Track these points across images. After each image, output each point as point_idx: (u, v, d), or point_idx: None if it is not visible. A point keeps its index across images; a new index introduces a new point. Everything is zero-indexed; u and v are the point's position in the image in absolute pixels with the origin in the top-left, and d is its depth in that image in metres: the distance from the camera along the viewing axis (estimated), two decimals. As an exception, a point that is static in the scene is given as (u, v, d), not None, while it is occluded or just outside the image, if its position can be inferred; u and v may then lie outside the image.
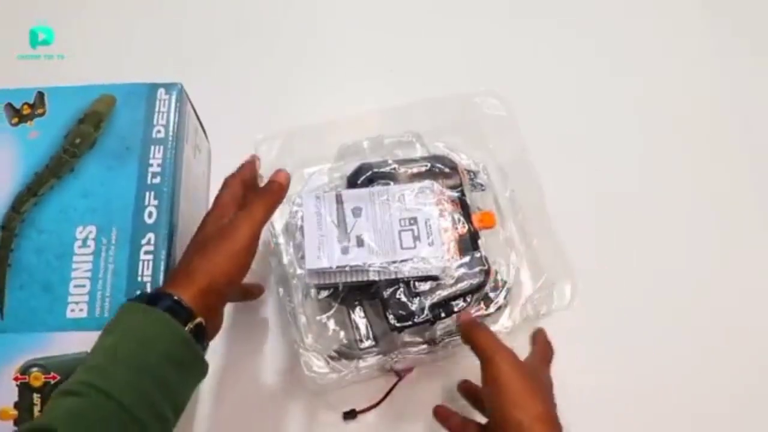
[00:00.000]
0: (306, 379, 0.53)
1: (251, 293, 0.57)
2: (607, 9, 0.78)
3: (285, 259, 0.55)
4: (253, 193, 0.50)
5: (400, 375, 0.57)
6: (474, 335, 0.47)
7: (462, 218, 0.54)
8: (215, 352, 0.57)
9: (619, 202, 0.67)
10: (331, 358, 0.53)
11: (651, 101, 0.73)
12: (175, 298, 0.42)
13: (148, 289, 0.48)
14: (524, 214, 0.58)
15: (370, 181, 0.56)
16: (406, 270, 0.51)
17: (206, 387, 0.57)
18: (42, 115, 0.54)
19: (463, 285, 0.52)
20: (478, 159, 0.61)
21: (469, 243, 0.53)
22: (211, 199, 0.64)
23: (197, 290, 0.43)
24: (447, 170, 0.57)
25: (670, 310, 0.62)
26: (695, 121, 0.72)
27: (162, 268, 0.49)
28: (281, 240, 0.56)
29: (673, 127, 0.72)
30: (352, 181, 0.56)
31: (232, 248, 0.45)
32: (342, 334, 0.53)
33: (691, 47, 0.77)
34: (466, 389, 0.53)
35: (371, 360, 0.53)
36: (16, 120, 0.54)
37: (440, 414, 0.53)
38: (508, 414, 0.43)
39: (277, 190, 0.49)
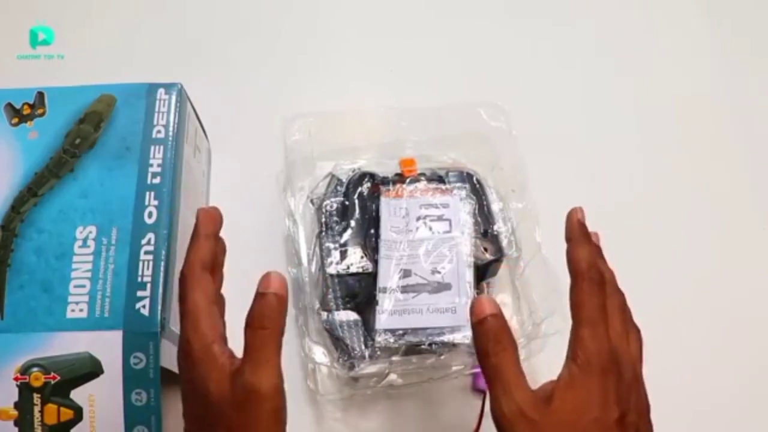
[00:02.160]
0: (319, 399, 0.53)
1: None
2: (607, 10, 0.78)
3: (305, 265, 0.54)
4: (249, 329, 0.37)
5: (485, 392, 0.54)
6: (489, 353, 0.37)
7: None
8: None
9: (619, 213, 0.66)
10: (350, 374, 0.52)
11: (652, 103, 0.73)
12: None
13: (148, 289, 0.48)
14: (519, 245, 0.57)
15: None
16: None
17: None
18: (42, 115, 0.54)
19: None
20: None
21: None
22: (212, 199, 0.65)
23: None
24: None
25: (671, 320, 0.62)
26: (698, 126, 0.72)
27: (162, 268, 0.49)
28: (302, 243, 0.56)
29: (676, 131, 0.72)
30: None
31: (257, 417, 0.34)
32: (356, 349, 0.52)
33: (692, 53, 0.77)
34: None
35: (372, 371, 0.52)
36: (16, 120, 0.54)
37: None
38: None
39: (278, 308, 0.37)
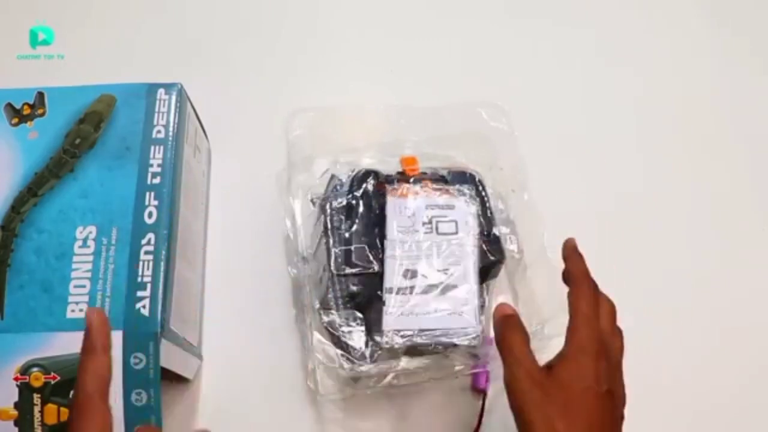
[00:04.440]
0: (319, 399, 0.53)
1: None
2: (607, 10, 0.78)
3: (305, 265, 0.54)
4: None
5: (485, 392, 0.55)
6: (503, 336, 0.44)
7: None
8: (222, 363, 0.57)
9: (619, 213, 0.66)
10: (350, 374, 0.52)
11: (652, 104, 0.73)
12: None
13: (148, 289, 0.48)
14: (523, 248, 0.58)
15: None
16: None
17: (209, 400, 0.57)
18: (42, 115, 0.54)
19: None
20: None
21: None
22: (212, 200, 0.65)
23: None
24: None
25: (672, 320, 0.62)
26: (698, 126, 0.72)
27: (162, 268, 0.49)
28: (302, 242, 0.55)
29: (676, 131, 0.72)
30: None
31: None
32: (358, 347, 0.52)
33: (693, 53, 0.77)
34: None
35: (372, 371, 0.52)
36: (16, 120, 0.54)
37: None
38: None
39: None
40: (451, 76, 0.73)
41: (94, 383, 0.36)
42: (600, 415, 0.41)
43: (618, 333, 0.46)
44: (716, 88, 0.74)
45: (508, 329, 0.44)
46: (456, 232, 0.53)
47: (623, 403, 0.44)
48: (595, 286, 0.45)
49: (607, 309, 0.46)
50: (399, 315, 0.51)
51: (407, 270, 0.52)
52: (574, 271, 0.46)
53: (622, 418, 0.44)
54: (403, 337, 0.51)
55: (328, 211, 0.54)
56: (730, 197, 0.68)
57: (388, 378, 0.55)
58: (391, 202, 0.54)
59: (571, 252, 0.47)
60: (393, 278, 0.52)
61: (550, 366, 0.43)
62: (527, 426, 0.40)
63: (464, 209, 0.54)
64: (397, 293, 0.51)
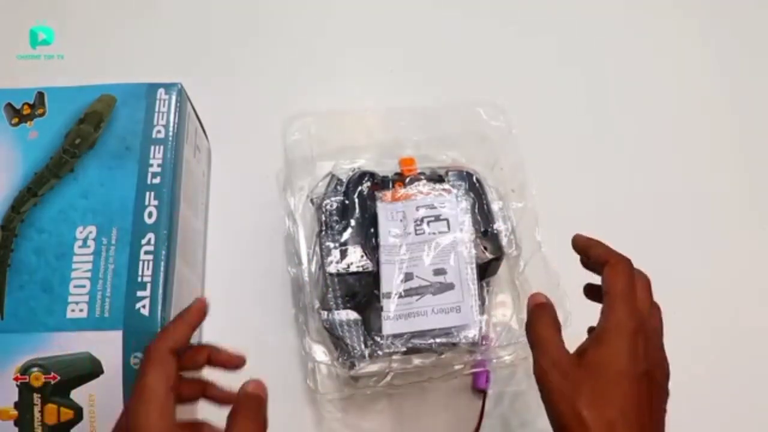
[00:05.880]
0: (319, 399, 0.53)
1: None
2: (607, 10, 0.78)
3: (305, 264, 0.54)
4: (235, 413, 0.38)
5: (485, 392, 0.56)
6: (532, 327, 0.43)
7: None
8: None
9: (619, 212, 0.66)
10: (350, 374, 0.52)
11: (652, 103, 0.73)
12: None
13: (148, 289, 0.48)
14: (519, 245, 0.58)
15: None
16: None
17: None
18: (42, 115, 0.54)
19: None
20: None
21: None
22: (212, 200, 0.65)
23: None
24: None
25: (672, 320, 0.62)
26: (698, 126, 0.72)
27: (162, 268, 0.49)
28: (302, 243, 0.56)
29: (676, 130, 0.72)
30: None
31: None
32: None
33: (693, 53, 0.77)
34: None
35: (372, 371, 0.52)
36: (16, 120, 0.54)
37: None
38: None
39: (257, 408, 0.39)
40: (451, 76, 0.73)
41: (167, 340, 0.40)
42: (635, 400, 0.39)
43: (656, 308, 0.44)
44: (717, 88, 0.74)
45: (538, 319, 0.43)
46: (447, 231, 0.53)
47: (666, 380, 0.43)
48: (629, 262, 0.43)
49: (643, 284, 0.43)
50: (397, 319, 0.51)
51: (403, 273, 0.53)
52: (603, 252, 0.44)
53: (666, 395, 0.42)
54: (403, 340, 0.51)
55: (324, 211, 0.55)
56: (729, 197, 0.68)
57: (388, 378, 0.55)
58: (382, 208, 0.55)
59: (587, 239, 0.46)
60: (389, 283, 0.52)
61: (583, 351, 0.41)
62: (557, 419, 0.39)
63: (456, 207, 0.54)
64: (394, 297, 0.52)
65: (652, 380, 0.41)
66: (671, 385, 0.58)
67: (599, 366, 0.39)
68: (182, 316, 0.42)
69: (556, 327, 0.43)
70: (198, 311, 0.43)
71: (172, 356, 0.39)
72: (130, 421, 0.37)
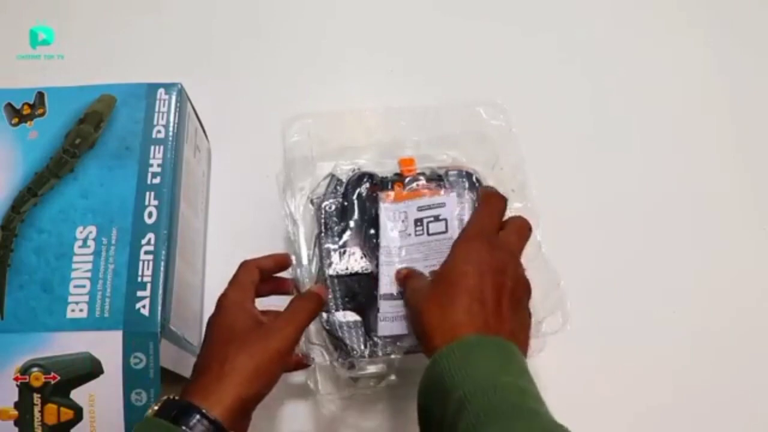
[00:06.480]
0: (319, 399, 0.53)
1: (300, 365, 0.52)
2: (607, 9, 0.78)
3: (305, 265, 0.54)
4: (297, 298, 0.49)
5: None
6: (405, 286, 0.49)
7: None
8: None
9: (619, 212, 0.66)
10: (350, 374, 0.52)
11: (652, 103, 0.73)
12: (204, 412, 0.39)
13: (148, 289, 0.48)
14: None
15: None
16: None
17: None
18: (42, 115, 0.54)
19: None
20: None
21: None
22: (212, 200, 0.65)
23: (233, 399, 0.40)
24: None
25: (671, 317, 0.62)
26: (698, 126, 0.72)
27: (162, 268, 0.49)
28: (302, 244, 0.55)
29: (676, 130, 0.72)
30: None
31: (276, 348, 0.42)
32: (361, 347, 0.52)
33: (693, 52, 0.77)
34: None
35: (372, 369, 0.52)
36: (16, 120, 0.54)
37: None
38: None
39: (318, 301, 0.48)
40: (451, 75, 0.73)
41: (258, 262, 0.49)
42: (479, 295, 0.42)
43: (515, 233, 0.47)
44: (717, 88, 0.74)
45: (409, 279, 0.49)
46: (446, 231, 0.53)
47: (526, 295, 0.45)
48: (501, 198, 0.49)
49: (518, 223, 0.48)
50: (393, 320, 0.51)
51: None
52: (485, 191, 0.51)
53: (526, 311, 0.45)
54: (397, 341, 0.51)
55: (324, 212, 0.55)
56: (729, 197, 0.68)
57: (388, 378, 0.55)
58: (384, 209, 0.54)
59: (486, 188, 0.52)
60: (388, 284, 0.52)
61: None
62: (418, 321, 0.44)
63: (455, 207, 0.54)
64: (392, 299, 0.51)
65: (499, 280, 0.43)
66: (671, 384, 0.58)
67: (443, 274, 0.44)
68: (272, 255, 0.51)
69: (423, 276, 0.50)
70: (283, 257, 0.52)
71: (257, 269, 0.48)
72: (218, 301, 0.46)
